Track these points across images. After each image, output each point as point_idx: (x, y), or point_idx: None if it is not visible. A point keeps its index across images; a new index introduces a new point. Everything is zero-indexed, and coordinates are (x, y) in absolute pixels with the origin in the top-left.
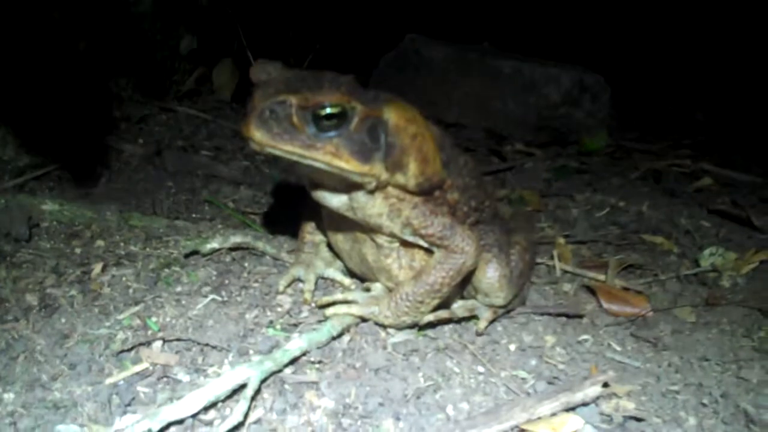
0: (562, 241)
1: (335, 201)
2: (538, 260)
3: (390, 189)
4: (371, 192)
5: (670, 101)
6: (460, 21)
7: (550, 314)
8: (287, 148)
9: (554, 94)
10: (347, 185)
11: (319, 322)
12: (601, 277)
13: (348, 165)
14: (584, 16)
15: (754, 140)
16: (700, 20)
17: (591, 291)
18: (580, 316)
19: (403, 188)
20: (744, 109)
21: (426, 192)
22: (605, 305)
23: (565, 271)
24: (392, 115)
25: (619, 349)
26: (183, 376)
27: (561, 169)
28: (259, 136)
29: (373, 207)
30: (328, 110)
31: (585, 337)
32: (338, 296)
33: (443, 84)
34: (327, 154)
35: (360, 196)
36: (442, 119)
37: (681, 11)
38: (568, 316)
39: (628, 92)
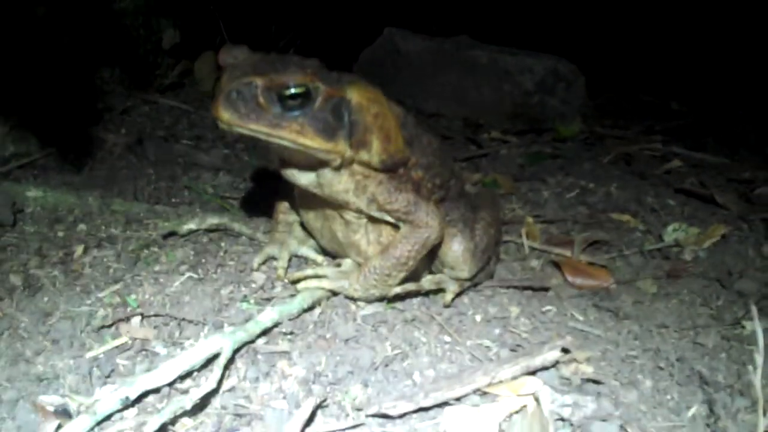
0: (530, 220)
1: (303, 178)
2: (508, 238)
3: (355, 166)
4: (337, 169)
5: (645, 90)
6: (438, 14)
7: (515, 287)
8: (254, 127)
9: (529, 82)
10: (314, 163)
11: (292, 296)
12: (567, 253)
13: (313, 142)
14: (560, 6)
15: (726, 125)
16: (676, 9)
17: (557, 266)
18: (546, 289)
19: (367, 165)
20: (720, 97)
21: (390, 169)
22: (570, 279)
23: (533, 248)
24: (355, 95)
25: (581, 318)
26: (161, 349)
27: (535, 155)
28: (227, 116)
29: (339, 183)
30: (293, 90)
31: (549, 308)
32: (309, 271)
33: (421, 76)
34: (292, 133)
35: (327, 173)
36: (422, 110)
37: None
38: (533, 289)
39: (603, 81)
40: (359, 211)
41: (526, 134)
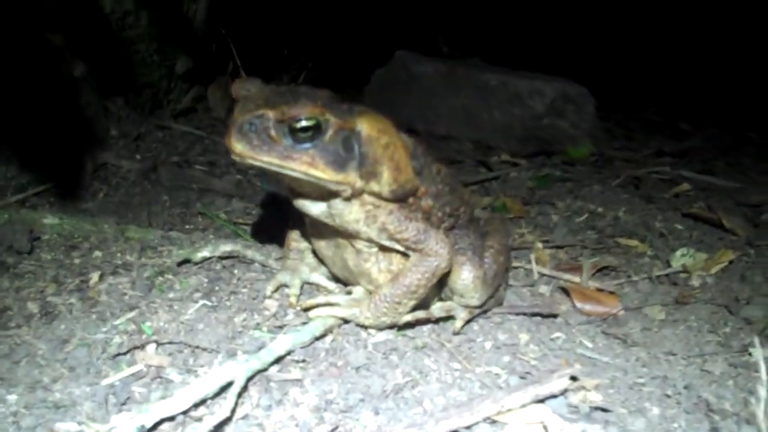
0: (540, 245)
1: (315, 209)
2: (517, 264)
3: (366, 196)
4: (348, 199)
5: (653, 106)
6: (449, 36)
7: (525, 314)
8: (266, 159)
9: (539, 105)
10: (325, 193)
11: (304, 324)
12: (576, 279)
13: (324, 174)
14: (570, 29)
15: (736, 146)
16: (684, 31)
17: (566, 292)
18: (554, 316)
19: (378, 195)
20: (729, 118)
21: (400, 199)
22: (578, 305)
23: (542, 274)
24: (365, 127)
25: (589, 345)
26: (175, 377)
27: (544, 177)
28: (239, 147)
29: (350, 214)
30: (303, 123)
31: (558, 334)
32: (321, 299)
33: (432, 98)
34: (303, 164)
35: (338, 204)
36: (433, 132)
37: (665, 23)
38: (542, 315)
39: (612, 102)
40: (370, 240)
41: (536, 157)
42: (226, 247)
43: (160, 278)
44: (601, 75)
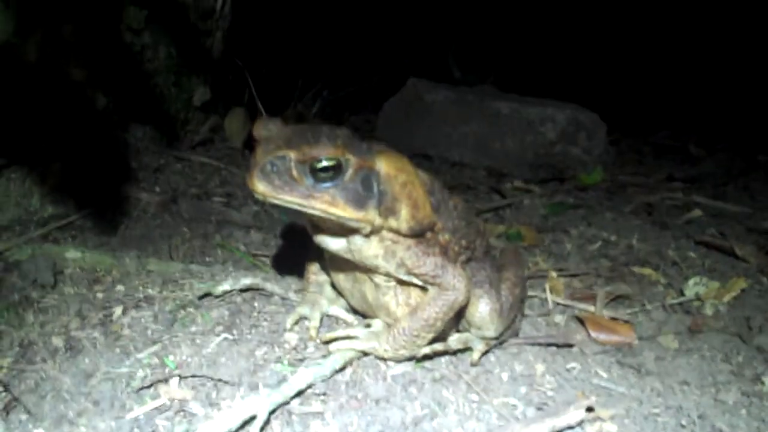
0: (554, 274)
1: (335, 244)
2: (532, 293)
3: (384, 233)
4: (367, 236)
5: (665, 135)
6: (463, 62)
7: (540, 344)
8: (288, 199)
9: (551, 132)
10: (345, 230)
11: (324, 357)
12: (591, 308)
13: (344, 212)
14: (580, 55)
15: (745, 170)
16: (693, 55)
17: (580, 321)
18: (570, 346)
19: (396, 232)
20: (738, 139)
21: (418, 234)
22: (593, 335)
23: (557, 303)
24: (383, 165)
25: (605, 375)
26: (198, 410)
27: (558, 205)
28: (262, 188)
29: (369, 249)
30: (324, 163)
31: (573, 365)
32: (341, 332)
33: (445, 125)
34: (324, 203)
35: (357, 240)
36: (446, 159)
37: (675, 47)
38: (557, 345)
39: (623, 126)
40: (388, 275)
41: (549, 183)
42: (246, 281)
43: (182, 312)
44: (611, 99)
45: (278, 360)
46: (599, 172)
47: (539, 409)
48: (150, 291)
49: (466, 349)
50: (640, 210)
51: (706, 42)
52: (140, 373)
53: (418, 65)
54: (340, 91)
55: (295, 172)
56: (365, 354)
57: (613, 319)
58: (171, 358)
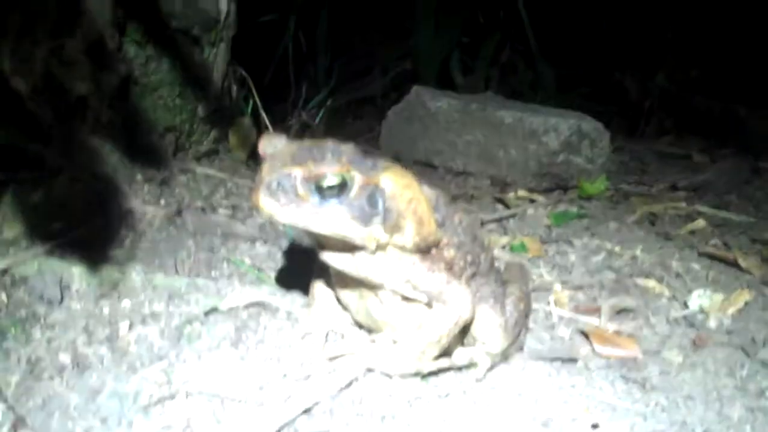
0: (558, 287)
1: (340, 261)
2: (536, 306)
3: (390, 249)
4: (372, 252)
5: (668, 141)
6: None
7: (545, 359)
8: (293, 217)
9: (554, 142)
10: (350, 247)
11: (329, 373)
12: (595, 321)
13: (349, 230)
14: (582, 62)
15: (748, 178)
16: (691, 65)
17: (585, 335)
18: (574, 360)
19: (401, 248)
20: (741, 145)
21: (423, 251)
22: (597, 349)
23: (561, 317)
24: (389, 183)
25: (609, 390)
26: (205, 428)
27: (561, 215)
28: (267, 206)
29: (374, 266)
30: (330, 180)
31: (578, 379)
32: (346, 348)
33: (448, 134)
34: (330, 221)
35: (362, 257)
36: (449, 168)
37: (673, 50)
38: (562, 360)
39: (626, 134)
40: (394, 291)
41: (552, 192)
42: (252, 296)
43: (188, 327)
44: (614, 105)
45: (284, 376)
46: (602, 181)
47: (544, 425)
48: (156, 306)
49: (471, 365)
50: (643, 220)
51: (708, 49)
52: (147, 390)
53: (420, 72)
54: (344, 98)
55: (300, 190)
56: (371, 370)
57: (618, 332)
58: (177, 374)
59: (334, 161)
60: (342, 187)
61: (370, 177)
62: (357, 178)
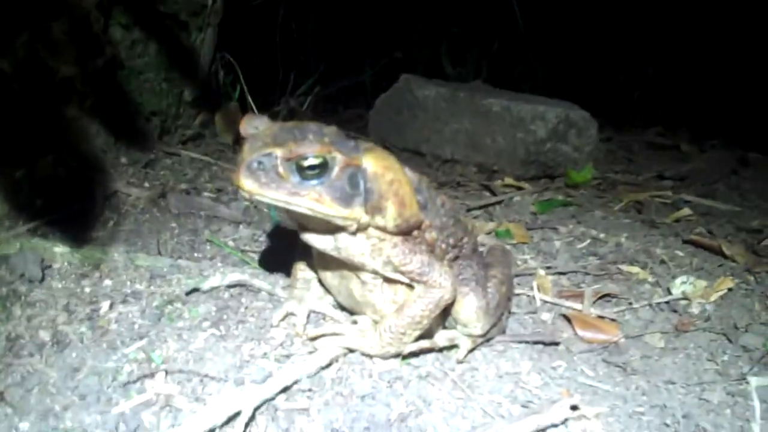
0: (542, 272)
1: (321, 242)
2: (519, 291)
3: (371, 230)
4: (354, 233)
5: (656, 131)
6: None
7: (527, 342)
8: (273, 196)
9: (541, 130)
10: (332, 228)
11: (310, 353)
12: (578, 306)
13: (330, 210)
14: (572, 52)
15: (736, 168)
16: (683, 54)
17: (567, 320)
18: (556, 344)
19: (383, 230)
20: (729, 135)
21: (405, 232)
22: (580, 333)
23: (545, 301)
24: (370, 163)
25: (590, 374)
26: (184, 405)
27: (547, 202)
28: (248, 185)
29: (355, 247)
30: (311, 161)
31: (559, 363)
32: (327, 329)
33: (436, 122)
34: (310, 201)
35: (344, 238)
36: (437, 155)
37: (665, 44)
38: (544, 343)
39: (615, 124)
40: (375, 272)
41: (539, 180)
42: (234, 277)
43: (170, 307)
44: (603, 95)
45: (264, 356)
46: (589, 169)
47: (524, 406)
48: (137, 286)
49: (453, 347)
50: (629, 208)
51: (699, 40)
52: (127, 368)
53: (410, 61)
54: (332, 86)
55: (281, 170)
56: (351, 351)
57: (600, 317)
58: (157, 353)
59: (315, 142)
60: (323, 167)
61: (352, 158)
62: (338, 159)
